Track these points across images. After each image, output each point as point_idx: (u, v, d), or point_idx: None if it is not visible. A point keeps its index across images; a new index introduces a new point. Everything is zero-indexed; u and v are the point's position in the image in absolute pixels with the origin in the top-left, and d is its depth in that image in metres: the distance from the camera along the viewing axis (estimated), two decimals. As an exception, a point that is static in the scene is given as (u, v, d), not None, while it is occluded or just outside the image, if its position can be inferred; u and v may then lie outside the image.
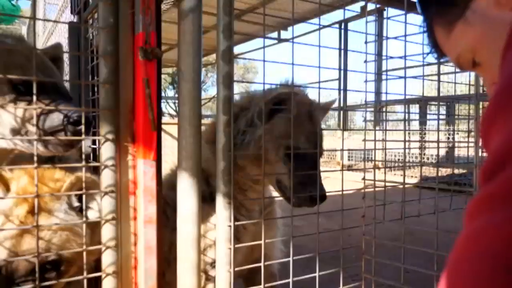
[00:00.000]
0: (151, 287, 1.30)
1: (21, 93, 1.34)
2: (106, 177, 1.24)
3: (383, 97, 1.88)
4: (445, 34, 0.70)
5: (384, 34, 1.87)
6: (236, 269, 1.42)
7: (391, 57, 1.84)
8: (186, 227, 1.34)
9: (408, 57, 1.78)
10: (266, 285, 1.50)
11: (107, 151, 1.24)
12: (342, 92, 8.40)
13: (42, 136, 1.34)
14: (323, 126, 1.93)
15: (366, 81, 1.80)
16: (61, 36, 3.83)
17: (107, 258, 1.25)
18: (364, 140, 1.83)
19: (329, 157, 10.05)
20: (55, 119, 1.33)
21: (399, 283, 1.67)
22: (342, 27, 8.71)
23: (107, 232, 1.25)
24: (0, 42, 1.47)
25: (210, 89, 23.95)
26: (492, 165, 0.42)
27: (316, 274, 1.65)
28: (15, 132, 1.36)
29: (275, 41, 8.09)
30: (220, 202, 1.38)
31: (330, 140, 10.52)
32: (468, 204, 0.44)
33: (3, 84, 1.34)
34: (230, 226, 1.39)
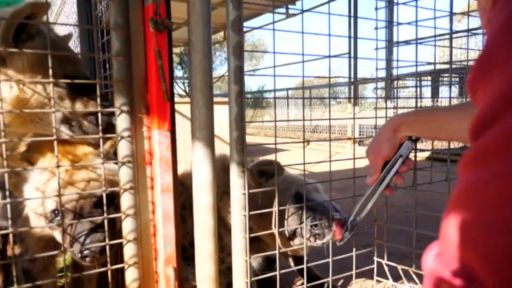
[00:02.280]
0: (170, 253, 1.35)
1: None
2: (123, 148, 1.28)
3: (394, 64, 1.86)
4: None
5: (395, 0, 1.84)
6: (251, 235, 1.47)
7: (402, 23, 1.82)
8: (202, 195, 1.37)
9: (420, 23, 1.76)
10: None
11: (122, 122, 1.27)
12: (352, 60, 8.28)
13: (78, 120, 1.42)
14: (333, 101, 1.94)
15: (377, 49, 1.78)
16: (69, 17, 3.83)
17: (127, 226, 1.29)
18: (375, 108, 1.83)
19: (339, 132, 10.00)
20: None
21: (411, 248, 1.70)
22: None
23: (126, 200, 1.29)
24: (45, 35, 1.42)
25: (218, 68, 23.76)
26: (483, 119, 0.40)
27: (330, 241, 1.69)
28: (62, 120, 1.41)
29: (283, 16, 8.00)
30: (234, 170, 1.41)
31: (340, 115, 10.45)
32: (462, 158, 0.43)
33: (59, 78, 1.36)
34: (244, 194, 1.42)
